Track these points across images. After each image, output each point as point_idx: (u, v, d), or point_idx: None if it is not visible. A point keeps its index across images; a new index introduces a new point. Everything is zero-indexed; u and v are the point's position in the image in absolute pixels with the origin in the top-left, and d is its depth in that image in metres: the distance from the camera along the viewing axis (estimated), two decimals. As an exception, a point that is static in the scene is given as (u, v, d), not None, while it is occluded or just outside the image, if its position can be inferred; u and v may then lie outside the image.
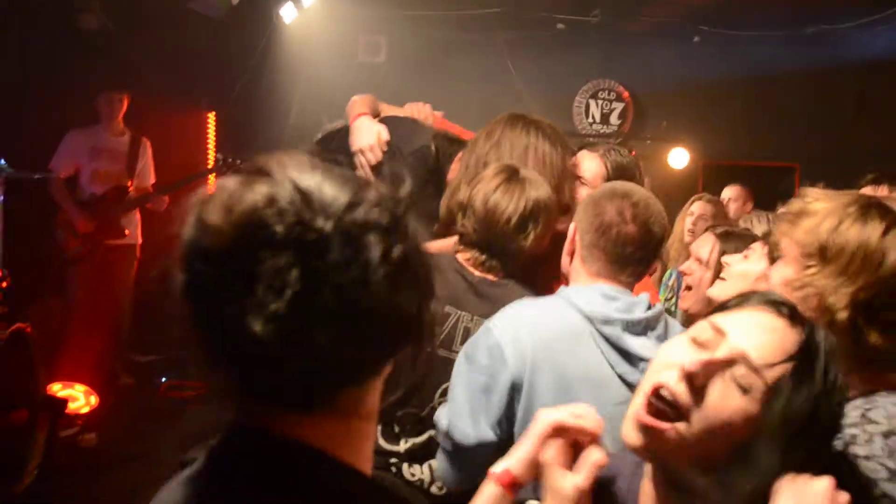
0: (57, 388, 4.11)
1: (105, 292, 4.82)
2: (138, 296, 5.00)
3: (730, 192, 5.00)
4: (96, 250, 4.79)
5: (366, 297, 0.70)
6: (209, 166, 5.14)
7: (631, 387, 1.54)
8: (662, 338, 1.62)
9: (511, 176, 1.93)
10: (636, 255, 1.67)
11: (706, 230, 2.75)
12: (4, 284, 3.55)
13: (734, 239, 2.41)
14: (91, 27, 5.27)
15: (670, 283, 3.51)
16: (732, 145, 6.96)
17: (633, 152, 6.69)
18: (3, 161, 4.16)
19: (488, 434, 1.63)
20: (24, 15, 5.00)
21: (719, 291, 2.09)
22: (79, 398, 4.28)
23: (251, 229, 0.68)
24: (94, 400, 4.34)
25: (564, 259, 1.81)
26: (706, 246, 2.46)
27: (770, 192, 6.65)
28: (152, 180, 5.13)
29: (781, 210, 1.91)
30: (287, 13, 5.61)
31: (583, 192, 2.34)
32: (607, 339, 1.60)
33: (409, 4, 5.91)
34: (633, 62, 6.76)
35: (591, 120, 6.82)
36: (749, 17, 6.46)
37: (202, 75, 5.63)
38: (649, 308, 1.66)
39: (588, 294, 1.65)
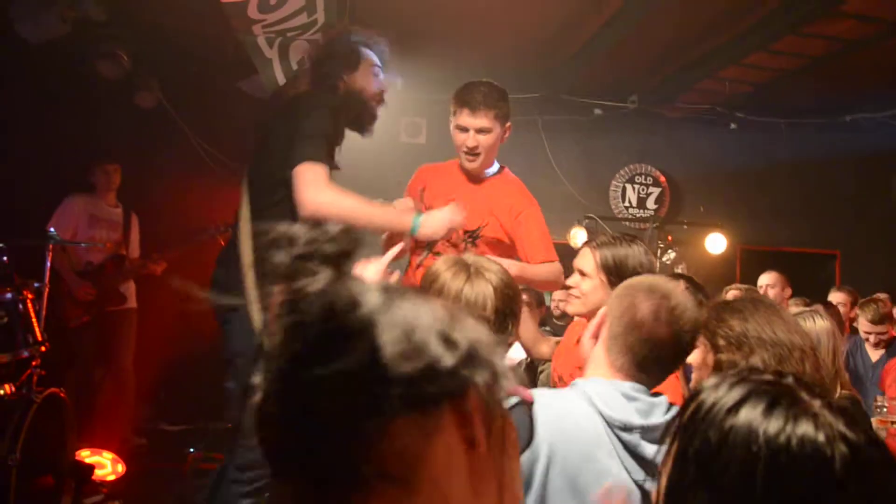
0: (85, 455, 4.12)
1: (111, 357, 4.86)
2: (168, 366, 5.04)
3: (767, 279, 4.93)
4: (99, 317, 4.80)
5: None
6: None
7: (648, 495, 1.48)
8: None
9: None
10: (663, 359, 1.62)
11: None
12: (44, 349, 3.61)
13: None
14: (148, 105, 5.56)
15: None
16: (771, 231, 6.89)
17: (670, 238, 6.66)
18: (52, 230, 4.30)
19: None
20: (85, 92, 5.28)
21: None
22: (106, 465, 4.27)
23: None
24: (120, 468, 4.32)
25: (587, 341, 1.75)
26: None
27: (811, 280, 6.55)
28: (138, 252, 5.19)
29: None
30: (331, 94, 5.80)
31: (585, 285, 2.34)
32: (625, 446, 1.55)
33: (448, 88, 6.08)
34: (669, 147, 6.83)
35: (627, 204, 6.84)
36: (785, 104, 6.51)
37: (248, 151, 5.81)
38: (668, 410, 1.59)
39: (608, 393, 1.58)
